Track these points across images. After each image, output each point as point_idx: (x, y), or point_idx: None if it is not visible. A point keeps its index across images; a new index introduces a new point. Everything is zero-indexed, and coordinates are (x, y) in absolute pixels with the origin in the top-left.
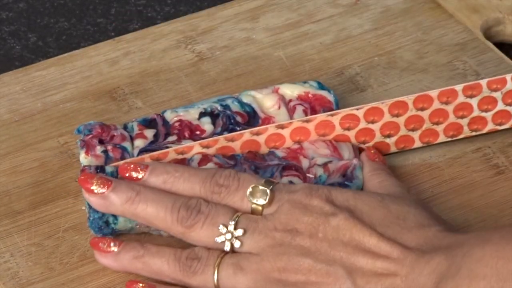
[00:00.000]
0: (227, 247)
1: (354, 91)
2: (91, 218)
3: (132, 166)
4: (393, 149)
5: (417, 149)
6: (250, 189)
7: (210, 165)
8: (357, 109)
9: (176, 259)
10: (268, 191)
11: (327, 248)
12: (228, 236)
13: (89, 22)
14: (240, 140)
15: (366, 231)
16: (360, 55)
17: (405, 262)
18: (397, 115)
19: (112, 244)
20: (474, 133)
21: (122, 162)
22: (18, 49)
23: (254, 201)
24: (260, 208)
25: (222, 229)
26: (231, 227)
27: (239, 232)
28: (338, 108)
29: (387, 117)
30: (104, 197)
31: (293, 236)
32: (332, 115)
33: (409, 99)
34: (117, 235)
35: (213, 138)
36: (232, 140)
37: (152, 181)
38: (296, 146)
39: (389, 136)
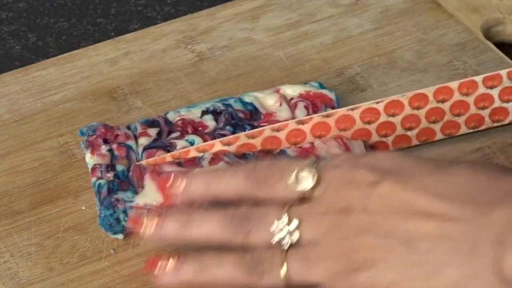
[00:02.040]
0: (286, 243)
1: (354, 91)
2: (102, 215)
3: (172, 175)
4: (414, 142)
5: (417, 149)
6: (293, 176)
7: (221, 164)
8: (377, 102)
9: (241, 266)
10: (311, 174)
11: (382, 220)
12: (284, 231)
13: (89, 22)
14: (261, 137)
15: (414, 193)
16: (360, 55)
17: (462, 218)
18: (418, 108)
19: (170, 260)
20: (496, 124)
21: (153, 160)
22: (18, 49)
23: (300, 187)
24: (308, 192)
25: (277, 226)
26: (284, 222)
27: (294, 224)
28: (339, 106)
29: (407, 110)
30: (158, 229)
31: (347, 216)
32: (352, 109)
33: (429, 91)
34: (128, 234)
35: (234, 135)
36: (253, 137)
37: (195, 185)
38: (307, 144)
39: (410, 129)
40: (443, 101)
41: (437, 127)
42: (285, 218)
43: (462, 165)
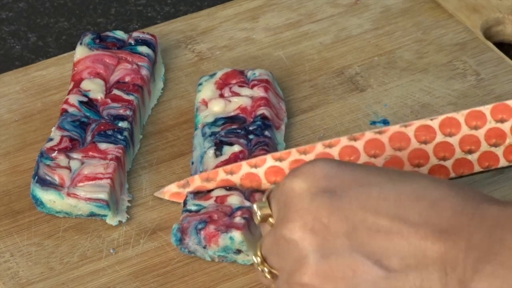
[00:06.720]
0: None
1: (354, 91)
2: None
3: None
4: (476, 168)
5: None
6: (256, 210)
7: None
8: (431, 119)
9: None
10: (263, 203)
11: (337, 238)
12: (261, 268)
13: (89, 22)
14: (313, 153)
15: (371, 212)
16: (360, 55)
17: (435, 244)
18: (476, 128)
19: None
20: None
21: (206, 174)
22: (18, 49)
23: (259, 217)
24: (266, 217)
25: (257, 264)
26: (259, 259)
27: (258, 259)
28: (278, 86)
29: (465, 130)
30: None
31: (303, 236)
32: (405, 126)
33: (486, 108)
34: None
35: (286, 150)
36: (304, 152)
37: None
38: None
39: (470, 152)
40: (502, 120)
41: (499, 151)
42: (258, 258)
43: (425, 178)
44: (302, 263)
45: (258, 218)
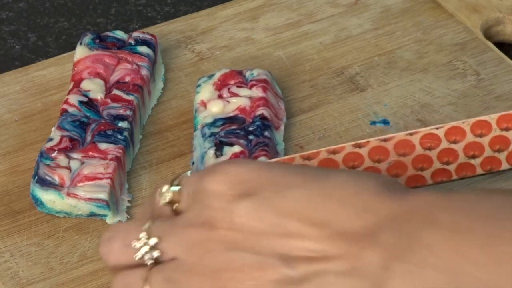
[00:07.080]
0: (148, 261)
1: (354, 91)
2: None
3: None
4: (479, 171)
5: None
6: (158, 192)
7: None
8: (437, 128)
9: None
10: (172, 187)
11: (253, 236)
12: (145, 249)
13: (89, 22)
14: (317, 159)
15: (279, 215)
16: (360, 55)
17: (339, 243)
18: (480, 135)
19: None
20: None
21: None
22: (18, 49)
23: (162, 202)
24: (178, 207)
25: (136, 244)
26: (143, 240)
27: (153, 240)
28: (278, 86)
29: (470, 137)
30: None
31: (210, 230)
32: (411, 134)
33: (492, 118)
34: None
35: (289, 156)
36: (308, 158)
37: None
38: None
39: (473, 157)
40: (507, 129)
41: (502, 156)
42: (143, 235)
43: (341, 176)
44: (211, 256)
45: (167, 198)
